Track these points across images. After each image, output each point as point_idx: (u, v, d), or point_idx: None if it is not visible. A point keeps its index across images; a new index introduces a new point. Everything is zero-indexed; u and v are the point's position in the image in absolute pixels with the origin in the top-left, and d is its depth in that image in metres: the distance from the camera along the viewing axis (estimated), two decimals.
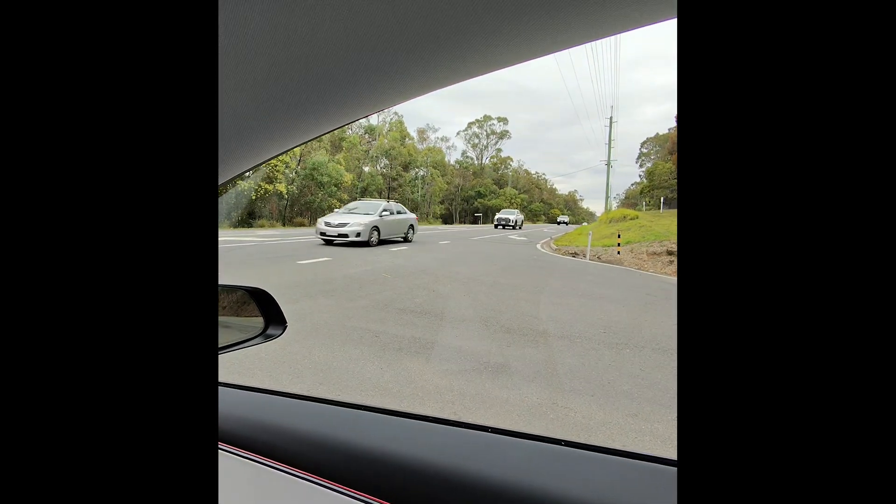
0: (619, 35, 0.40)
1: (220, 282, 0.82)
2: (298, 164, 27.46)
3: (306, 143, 0.58)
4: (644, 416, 2.47)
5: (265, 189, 23.46)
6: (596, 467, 0.53)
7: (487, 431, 0.60)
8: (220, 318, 0.89)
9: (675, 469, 0.51)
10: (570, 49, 0.40)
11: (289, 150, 0.60)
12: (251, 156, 0.58)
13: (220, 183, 0.63)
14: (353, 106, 0.48)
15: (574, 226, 42.43)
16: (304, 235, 15.03)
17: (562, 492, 0.49)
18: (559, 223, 51.28)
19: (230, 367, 2.93)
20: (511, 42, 0.36)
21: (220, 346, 0.79)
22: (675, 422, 2.16)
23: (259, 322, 0.81)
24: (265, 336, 0.80)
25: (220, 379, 0.73)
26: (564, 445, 0.56)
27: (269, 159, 0.62)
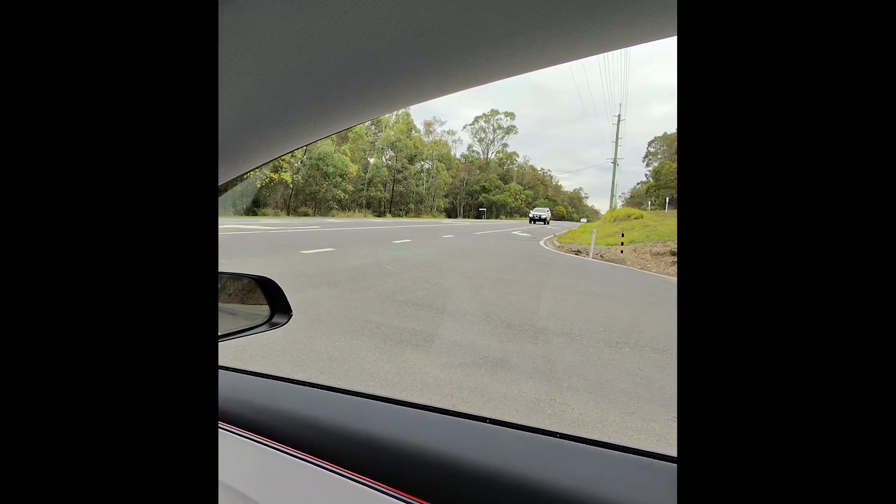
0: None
1: (227, 270, 0.83)
2: (304, 154, 27.46)
3: (317, 141, 0.59)
4: (641, 414, 2.48)
5: (270, 178, 23.49)
6: (590, 459, 0.54)
7: (485, 422, 0.61)
8: (226, 306, 0.90)
9: (668, 464, 0.51)
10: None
11: (301, 148, 0.62)
12: (263, 152, 0.59)
13: (234, 177, 0.65)
14: (364, 106, 0.48)
15: (566, 223, 36.26)
16: (309, 226, 15.04)
17: (556, 481, 0.50)
18: (532, 220, 35.26)
19: (234, 353, 2.96)
20: (523, 52, 0.37)
21: (225, 332, 0.81)
22: (673, 421, 2.16)
23: (265, 310, 0.83)
24: (270, 324, 0.81)
25: (225, 364, 0.74)
26: (560, 438, 0.57)
27: (282, 155, 0.63)
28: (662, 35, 0.34)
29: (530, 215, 37.59)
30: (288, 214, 24.71)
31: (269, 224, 14.55)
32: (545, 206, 48.29)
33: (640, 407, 2.58)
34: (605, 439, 0.54)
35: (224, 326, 0.85)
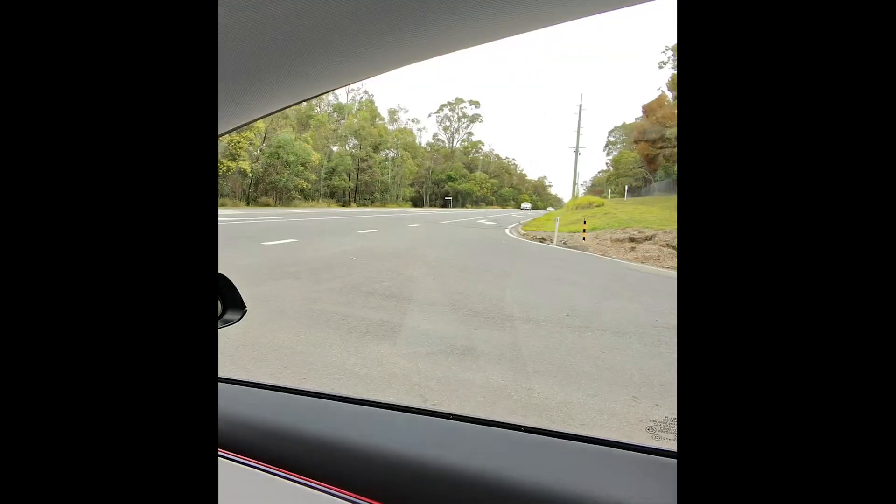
0: (588, 23, 0.39)
1: None
2: (263, 142, 26.48)
3: (288, 107, 0.55)
4: (602, 396, 2.58)
5: (227, 166, 22.50)
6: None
7: (450, 419, 0.60)
8: None
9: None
10: (548, 33, 0.39)
11: (264, 117, 0.58)
12: (236, 116, 0.55)
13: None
14: (338, 72, 0.45)
15: (531, 212, 43.57)
16: (270, 216, 14.56)
17: (522, 477, 0.50)
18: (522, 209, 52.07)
19: None
20: (502, 14, 0.35)
21: None
22: (633, 400, 2.25)
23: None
24: (223, 321, 0.77)
25: None
26: (524, 431, 0.57)
27: (246, 124, 0.58)
28: None
29: (522, 206, 56.56)
30: (247, 205, 23.83)
31: (227, 215, 13.96)
32: (528, 201, 62.07)
33: (601, 389, 2.68)
34: (567, 421, 0.54)
35: None
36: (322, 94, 0.53)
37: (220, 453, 0.62)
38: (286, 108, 0.55)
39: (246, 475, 0.59)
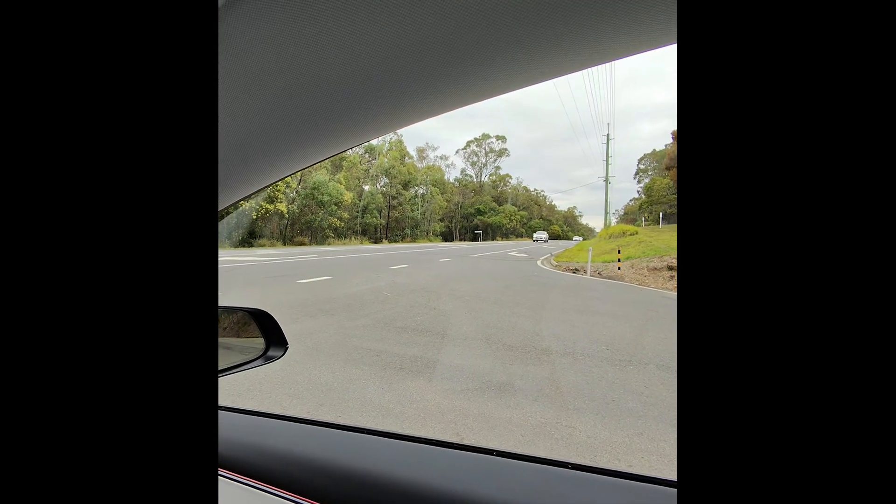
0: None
1: (222, 303, 0.81)
2: (299, 184, 27.77)
3: (310, 167, 0.59)
4: (650, 434, 2.43)
5: (266, 208, 23.65)
6: (604, 490, 0.52)
7: (493, 454, 0.59)
8: (221, 340, 0.88)
9: (669, 489, 0.50)
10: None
11: (293, 174, 0.61)
12: (256, 179, 0.58)
13: (226, 205, 0.64)
14: (356, 131, 0.48)
15: (562, 242, 41.97)
16: (305, 255, 15.02)
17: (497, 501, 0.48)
18: (535, 241, 47.32)
19: (228, 389, 2.90)
20: (516, 68, 0.37)
21: (220, 368, 0.79)
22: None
23: (260, 343, 0.81)
24: (266, 358, 0.79)
25: (219, 402, 0.72)
26: (571, 468, 0.55)
27: (275, 182, 0.62)
28: (659, 44, 0.34)
29: (534, 237, 51.43)
30: (284, 244, 24.78)
31: (264, 255, 14.52)
32: (543, 229, 61.65)
33: (648, 426, 2.52)
34: (613, 463, 0.52)
35: (219, 362, 0.81)
36: (356, 146, 0.56)
37: (237, 479, 0.63)
38: (322, 161, 0.58)
39: (250, 496, 0.60)
